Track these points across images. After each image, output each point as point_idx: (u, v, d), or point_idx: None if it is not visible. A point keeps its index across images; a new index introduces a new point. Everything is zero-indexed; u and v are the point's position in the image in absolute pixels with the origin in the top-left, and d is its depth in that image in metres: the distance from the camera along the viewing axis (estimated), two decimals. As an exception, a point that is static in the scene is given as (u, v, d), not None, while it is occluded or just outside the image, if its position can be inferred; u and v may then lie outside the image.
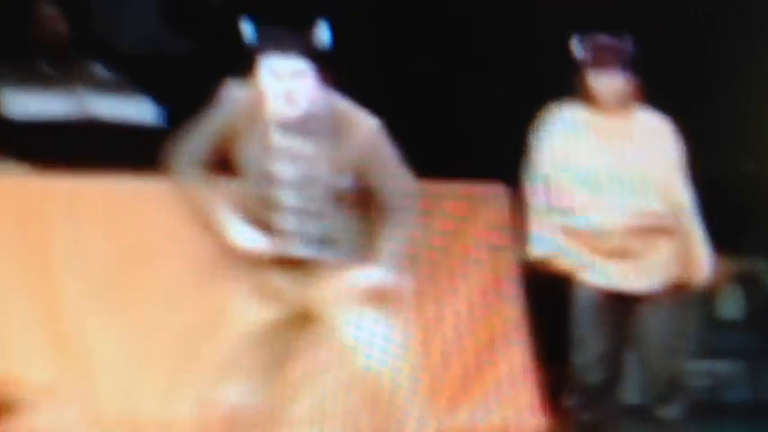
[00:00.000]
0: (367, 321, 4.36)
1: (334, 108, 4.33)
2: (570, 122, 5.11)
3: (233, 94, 4.35)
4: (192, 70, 6.04)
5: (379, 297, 4.38)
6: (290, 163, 4.30)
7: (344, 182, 4.35)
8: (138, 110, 7.51)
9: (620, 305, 5.09)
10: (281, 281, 4.41)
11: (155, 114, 7.48)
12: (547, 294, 6.11)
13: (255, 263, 4.40)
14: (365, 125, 4.34)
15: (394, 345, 4.39)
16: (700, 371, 8.71)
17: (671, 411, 5.18)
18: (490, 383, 7.68)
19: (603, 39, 5.05)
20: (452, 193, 7.69)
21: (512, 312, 7.71)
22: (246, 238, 4.29)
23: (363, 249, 4.41)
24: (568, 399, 5.35)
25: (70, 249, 7.09)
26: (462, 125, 7.94)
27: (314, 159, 4.31)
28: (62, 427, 3.87)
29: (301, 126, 4.29)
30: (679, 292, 5.06)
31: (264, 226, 4.34)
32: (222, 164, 4.54)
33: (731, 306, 9.10)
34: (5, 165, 7.05)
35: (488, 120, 7.63)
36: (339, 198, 4.38)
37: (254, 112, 4.31)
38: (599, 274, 5.03)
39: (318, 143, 4.31)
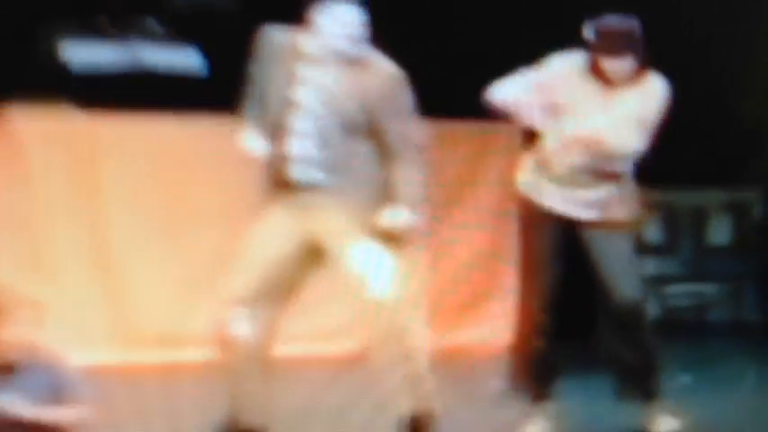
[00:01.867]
0: (372, 253, 4.49)
1: (364, 51, 4.56)
2: (574, 62, 5.12)
3: (268, 37, 4.62)
4: (234, 25, 6.35)
5: (401, 237, 4.54)
6: (311, 90, 4.53)
7: (356, 111, 4.52)
8: (185, 60, 7.87)
9: (566, 226, 5.16)
10: (292, 209, 4.52)
11: (199, 64, 7.83)
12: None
13: (275, 193, 4.55)
14: (388, 70, 4.58)
15: (397, 274, 4.51)
16: (687, 292, 9.29)
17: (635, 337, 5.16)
18: (492, 306, 8.11)
19: (613, 23, 5.05)
20: (470, 131, 8.05)
21: (512, 243, 7.78)
22: (249, 140, 4.54)
23: (371, 185, 4.55)
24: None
25: (116, 183, 7.60)
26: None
27: (333, 88, 4.52)
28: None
29: (331, 60, 4.55)
30: (618, 226, 5.13)
31: (279, 154, 4.49)
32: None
33: (720, 233, 9.44)
34: (64, 110, 7.44)
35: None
36: (351, 130, 4.55)
37: (285, 51, 4.59)
38: (550, 197, 5.11)
39: (342, 76, 4.53)
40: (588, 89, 5.12)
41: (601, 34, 5.06)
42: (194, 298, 7.28)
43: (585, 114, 5.07)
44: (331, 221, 4.57)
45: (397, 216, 4.56)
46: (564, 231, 5.17)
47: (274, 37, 4.67)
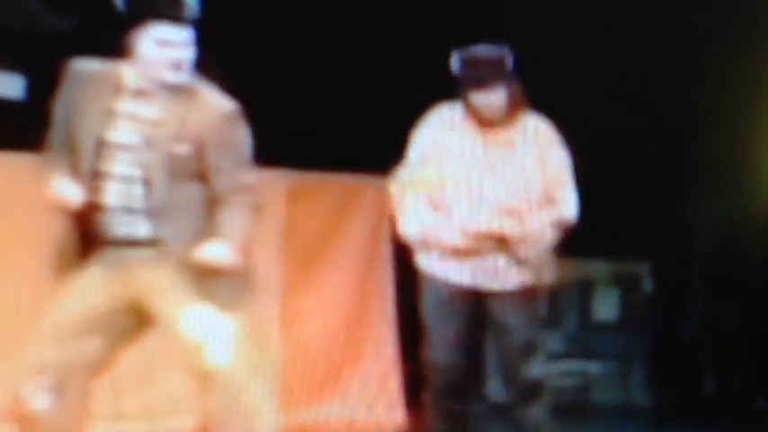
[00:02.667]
0: (207, 317, 4.17)
1: (193, 82, 4.23)
2: (449, 121, 5.09)
3: (76, 68, 4.26)
4: (64, 48, 5.89)
5: (218, 271, 4.20)
6: (131, 127, 4.20)
7: (184, 150, 4.20)
8: (5, 84, 7.40)
9: (472, 301, 5.10)
10: (108, 267, 4.21)
11: (22, 89, 7.38)
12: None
13: (86, 248, 4.21)
14: (221, 103, 4.25)
15: (239, 341, 4.18)
16: (571, 371, 9.02)
17: (533, 413, 5.16)
18: (354, 380, 7.71)
19: (481, 53, 5.01)
20: (332, 184, 7.68)
21: (382, 308, 7.75)
22: (62, 187, 4.12)
23: (197, 234, 4.22)
24: (425, 395, 5.29)
25: None
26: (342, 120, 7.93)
27: (158, 124, 4.20)
28: None
29: (153, 93, 4.21)
30: (529, 294, 5.09)
31: (92, 203, 4.14)
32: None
33: (606, 308, 9.25)
34: None
35: (370, 116, 7.61)
36: (179, 172, 4.22)
37: (99, 84, 4.21)
38: (452, 270, 5.05)
39: (166, 110, 4.21)
40: (466, 139, 5.01)
41: (468, 64, 4.93)
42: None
43: (468, 173, 4.98)
44: (156, 280, 4.16)
45: (214, 250, 4.14)
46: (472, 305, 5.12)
47: (85, 69, 4.25)
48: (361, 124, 6.50)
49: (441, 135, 5.05)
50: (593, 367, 9.01)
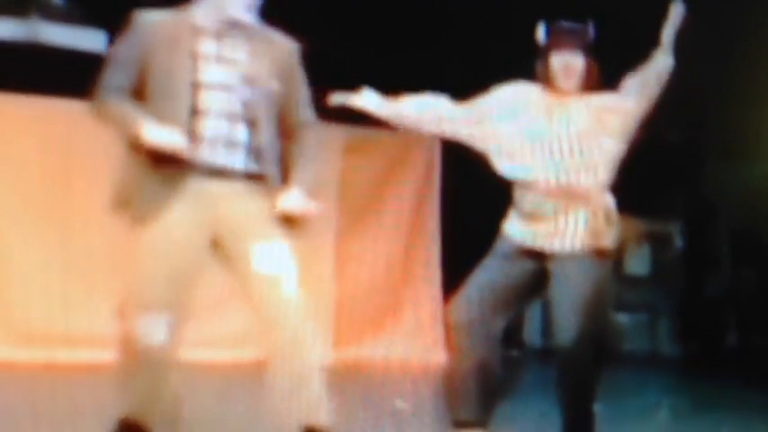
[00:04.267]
0: (277, 251, 4.18)
1: (256, 22, 4.25)
2: (519, 91, 5.03)
3: (145, 19, 4.20)
4: (142, 3, 6.02)
5: (297, 221, 4.21)
6: (224, 68, 4.19)
7: (277, 87, 4.23)
8: (87, 38, 7.51)
9: (534, 261, 4.95)
10: (196, 200, 4.18)
11: (104, 43, 7.33)
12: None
13: (170, 179, 4.16)
14: (289, 42, 4.30)
15: (302, 277, 4.18)
16: None
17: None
18: (401, 321, 7.90)
19: (565, 24, 5.01)
20: (385, 139, 7.71)
21: (429, 257, 7.93)
22: (155, 131, 4.04)
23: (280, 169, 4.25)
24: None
25: (12, 169, 7.10)
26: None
27: (250, 63, 4.21)
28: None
29: (234, 34, 4.20)
30: (590, 256, 4.88)
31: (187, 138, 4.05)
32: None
33: (639, 263, 9.32)
34: None
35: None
36: (271, 107, 4.26)
37: (176, 30, 4.19)
38: (519, 230, 4.95)
39: (250, 50, 4.22)
40: (541, 104, 4.94)
41: (553, 32, 4.96)
42: (79, 296, 6.97)
43: (533, 132, 4.89)
44: (240, 213, 4.17)
45: (293, 199, 4.16)
46: (533, 265, 4.91)
47: (154, 19, 4.20)
48: (418, 85, 6.51)
49: (517, 93, 5.01)
50: (624, 318, 9.05)
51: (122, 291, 4.22)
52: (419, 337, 7.78)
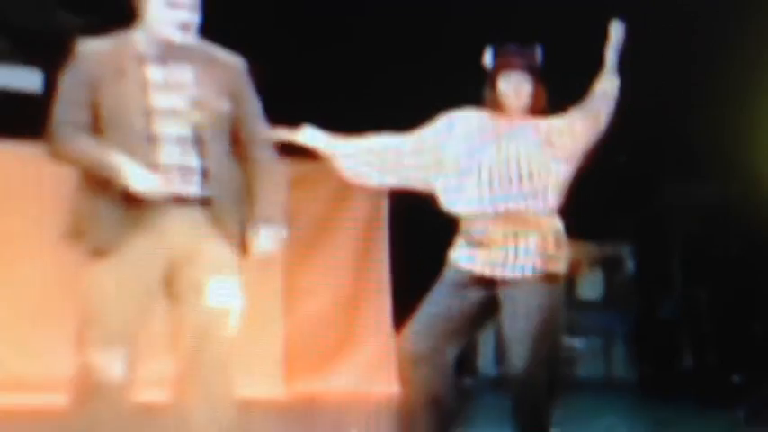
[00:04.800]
0: (230, 286, 4.16)
1: (196, 42, 4.21)
2: (464, 117, 5.03)
3: (87, 48, 4.17)
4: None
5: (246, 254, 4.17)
6: (174, 92, 4.17)
7: (226, 107, 4.20)
8: (24, 79, 7.49)
9: (484, 288, 4.93)
10: (151, 234, 4.13)
11: (40, 83, 7.44)
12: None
13: (127, 211, 4.11)
14: (236, 59, 4.27)
15: (250, 311, 4.17)
16: None
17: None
18: (354, 353, 7.90)
19: (513, 46, 5.05)
20: (332, 171, 7.83)
21: (380, 288, 7.93)
22: (142, 179, 4.02)
23: (237, 194, 4.22)
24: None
25: None
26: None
27: (197, 85, 4.17)
28: None
29: (179, 56, 4.18)
30: (541, 281, 4.88)
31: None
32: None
33: (591, 288, 9.35)
34: None
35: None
36: (222, 131, 4.22)
37: (120, 58, 4.16)
38: (467, 258, 4.92)
39: (200, 72, 4.20)
40: (488, 129, 4.93)
41: (500, 53, 4.98)
42: (25, 337, 6.93)
43: (480, 159, 4.88)
44: (198, 243, 4.11)
45: (267, 242, 4.12)
46: (483, 292, 4.89)
47: (96, 48, 4.16)
48: (363, 117, 6.47)
49: (463, 120, 5.02)
50: (578, 343, 9.11)
51: (76, 324, 4.10)
52: (371, 370, 7.79)
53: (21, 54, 7.58)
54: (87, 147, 4.10)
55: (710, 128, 8.44)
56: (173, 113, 4.13)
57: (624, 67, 5.22)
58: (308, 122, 4.93)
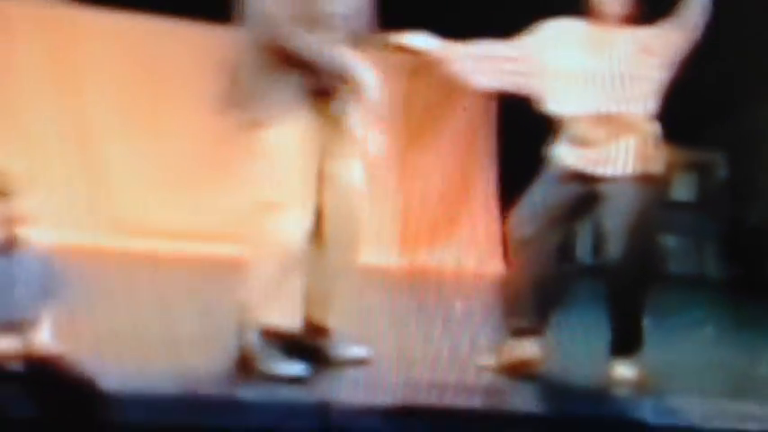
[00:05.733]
0: (360, 166, 4.65)
1: None
2: (565, 26, 5.19)
3: None
4: None
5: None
6: None
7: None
8: None
9: (584, 184, 5.14)
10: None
11: None
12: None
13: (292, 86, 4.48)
14: None
15: (372, 188, 4.67)
16: None
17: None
18: (463, 230, 8.22)
19: None
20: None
21: (485, 175, 8.23)
22: (373, 80, 4.47)
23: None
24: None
25: (99, 69, 7.59)
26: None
27: None
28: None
29: None
30: (639, 180, 5.06)
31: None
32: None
33: (685, 190, 9.48)
34: None
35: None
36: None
37: None
38: (570, 155, 5.11)
39: None
40: (587, 37, 5.11)
41: None
42: (177, 191, 7.44)
43: (582, 65, 5.04)
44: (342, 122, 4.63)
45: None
46: (583, 188, 5.13)
47: None
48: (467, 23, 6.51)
49: (562, 28, 5.16)
50: (671, 241, 9.19)
51: (249, 189, 4.50)
52: (479, 249, 8.08)
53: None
54: (318, 43, 4.49)
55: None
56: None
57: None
58: (418, 27, 5.18)
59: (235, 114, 4.56)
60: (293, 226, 4.43)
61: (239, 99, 4.56)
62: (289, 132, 4.47)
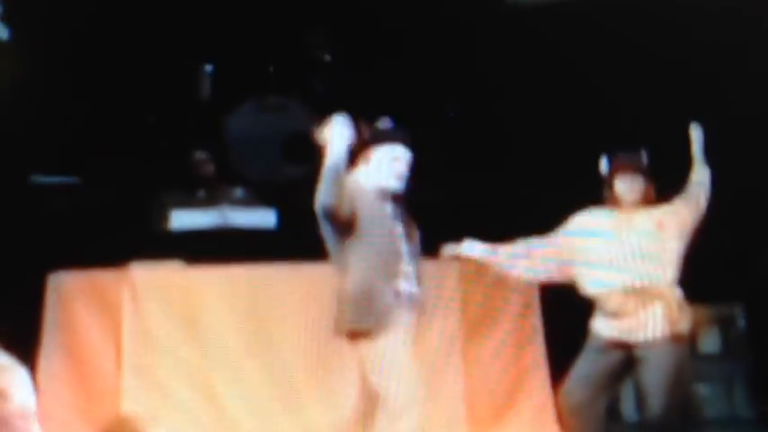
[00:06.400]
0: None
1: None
2: (590, 217, 5.66)
3: (354, 184, 5.05)
4: (300, 191, 6.39)
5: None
6: (398, 221, 5.08)
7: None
8: (261, 217, 8.73)
9: (622, 351, 5.52)
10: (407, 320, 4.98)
11: (274, 221, 8.68)
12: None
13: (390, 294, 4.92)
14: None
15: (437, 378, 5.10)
16: None
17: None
18: (517, 412, 8.37)
19: (623, 153, 5.69)
20: None
21: (536, 357, 8.47)
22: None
23: None
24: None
25: (216, 327, 8.12)
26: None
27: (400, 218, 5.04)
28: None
29: (392, 198, 5.13)
30: (669, 341, 5.46)
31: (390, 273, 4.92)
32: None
33: (710, 343, 9.83)
34: (169, 263, 8.22)
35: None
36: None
37: (359, 193, 5.03)
38: (606, 327, 5.55)
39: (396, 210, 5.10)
40: (611, 222, 5.57)
41: (614, 161, 5.71)
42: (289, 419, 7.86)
43: (608, 247, 5.50)
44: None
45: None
46: (622, 354, 5.55)
47: (354, 184, 5.09)
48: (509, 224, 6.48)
49: (592, 216, 5.60)
50: (703, 389, 9.47)
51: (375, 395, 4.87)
52: (535, 425, 8.24)
53: (258, 198, 8.74)
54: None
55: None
56: (401, 236, 5.17)
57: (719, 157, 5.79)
58: (468, 236, 5.71)
59: (346, 330, 5.08)
60: (416, 427, 4.83)
61: (349, 315, 5.07)
62: (396, 340, 4.92)
